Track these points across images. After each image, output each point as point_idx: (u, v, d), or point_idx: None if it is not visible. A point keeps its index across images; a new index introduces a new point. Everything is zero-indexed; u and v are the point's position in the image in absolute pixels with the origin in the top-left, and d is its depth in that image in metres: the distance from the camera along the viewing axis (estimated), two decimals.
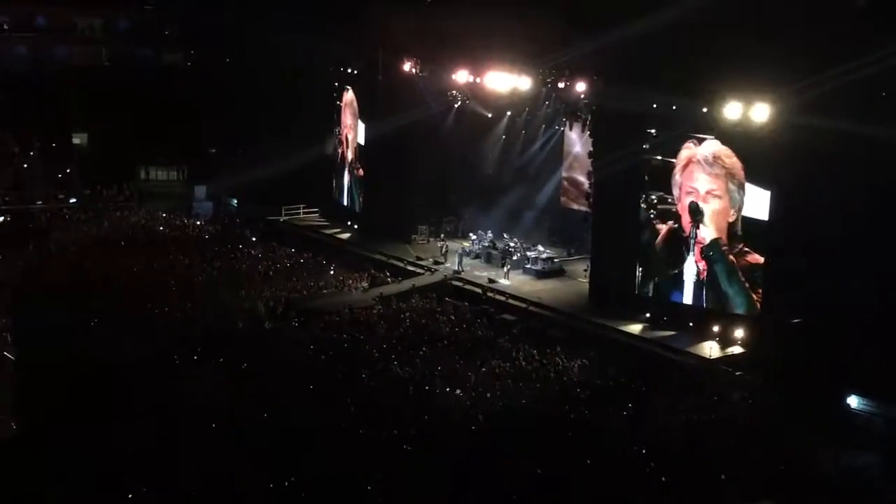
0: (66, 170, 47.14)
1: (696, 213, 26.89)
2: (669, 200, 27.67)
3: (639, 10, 27.25)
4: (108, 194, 44.60)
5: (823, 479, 18.55)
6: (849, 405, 21.02)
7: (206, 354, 23.96)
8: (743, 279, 26.37)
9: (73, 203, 43.06)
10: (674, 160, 27.36)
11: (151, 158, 47.51)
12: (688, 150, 27.07)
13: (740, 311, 26.59)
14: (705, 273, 27.06)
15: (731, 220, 26.48)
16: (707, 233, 26.88)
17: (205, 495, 16.76)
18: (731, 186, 26.27)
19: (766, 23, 25.02)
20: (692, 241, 27.16)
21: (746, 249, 26.24)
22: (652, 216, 28.08)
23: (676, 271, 27.71)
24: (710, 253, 26.81)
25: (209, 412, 20.15)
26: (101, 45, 54.59)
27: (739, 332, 25.82)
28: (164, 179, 47.85)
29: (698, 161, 26.81)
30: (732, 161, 26.22)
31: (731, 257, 26.47)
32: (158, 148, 47.09)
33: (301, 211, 42.98)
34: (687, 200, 27.17)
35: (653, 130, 27.72)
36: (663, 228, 27.89)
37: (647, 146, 27.82)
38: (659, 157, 27.74)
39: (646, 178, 28.05)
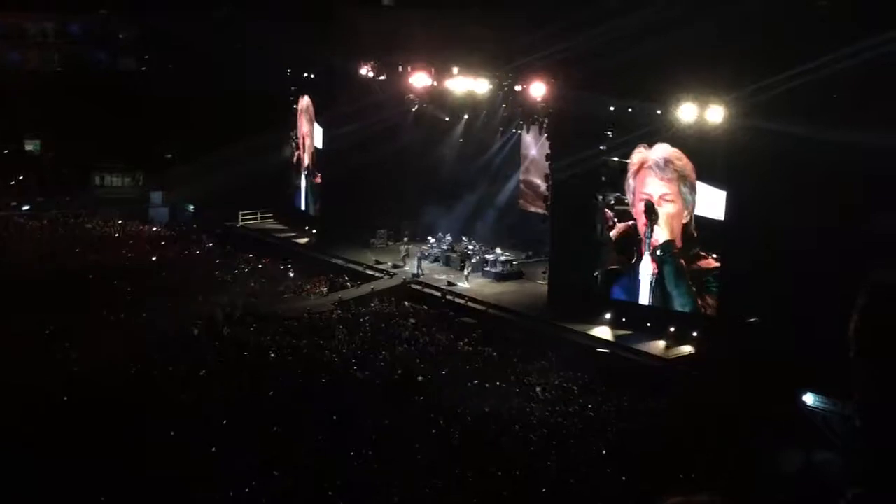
0: (18, 177, 46.53)
1: (650, 214, 27.08)
2: (626, 202, 27.86)
3: (595, 13, 27.45)
4: (63, 201, 44.07)
5: (782, 477, 18.71)
6: (805, 403, 21.22)
7: (163, 361, 23.68)
8: (690, 283, 26.62)
9: (27, 210, 42.48)
10: (628, 161, 27.58)
11: (106, 164, 47.01)
12: (639, 154, 27.27)
13: (685, 309, 26.82)
14: (655, 275, 27.27)
15: (684, 221, 26.70)
16: (661, 234, 27.07)
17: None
18: (684, 189, 26.50)
19: (721, 25, 25.21)
20: (647, 242, 27.35)
21: (702, 254, 26.44)
22: (609, 217, 28.25)
23: (633, 272, 27.88)
24: (660, 253, 27.02)
25: (168, 418, 19.94)
26: (54, 49, 53.91)
27: (696, 332, 26.03)
28: (119, 185, 47.38)
29: (650, 166, 27.01)
30: (683, 163, 26.44)
31: (682, 261, 26.68)
32: (113, 154, 46.62)
33: (258, 216, 42.74)
34: (641, 204, 27.36)
35: (609, 133, 27.87)
36: (620, 229, 28.07)
37: (604, 147, 27.97)
38: (615, 159, 27.91)
39: (603, 179, 28.20)
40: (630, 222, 27.77)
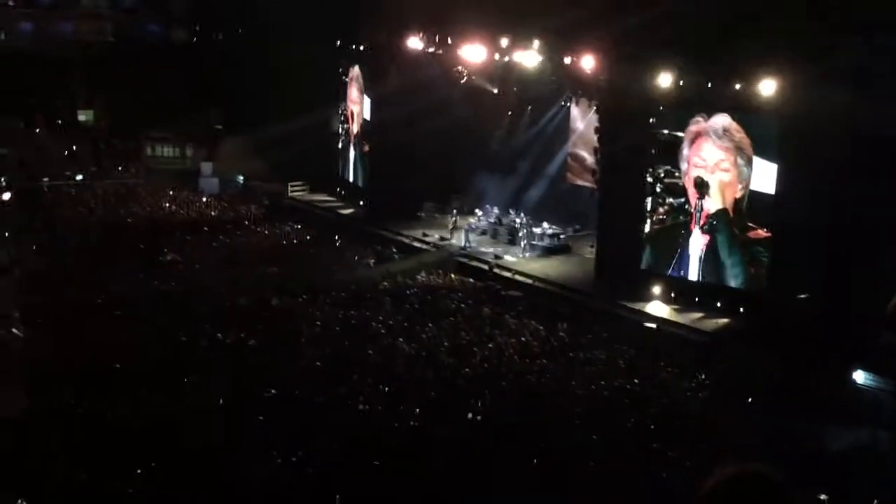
0: (72, 147, 47.15)
1: (701, 187, 26.80)
2: (676, 175, 27.59)
3: None
4: (115, 172, 44.64)
5: (830, 456, 18.55)
6: (855, 381, 20.97)
7: (213, 331, 23.95)
8: (742, 252, 26.29)
9: (80, 180, 43.07)
10: (682, 134, 27.25)
11: (158, 135, 47.48)
12: (696, 125, 26.95)
13: (735, 283, 26.55)
14: (707, 246, 26.99)
15: (737, 195, 26.36)
16: (712, 205, 26.77)
17: (208, 473, 16.75)
18: (740, 161, 26.15)
19: None
20: (698, 215, 27.08)
21: (751, 225, 26.15)
22: (659, 190, 28.02)
23: (683, 246, 27.65)
24: (714, 223, 26.71)
25: (215, 388, 20.17)
26: (107, 20, 54.37)
27: (745, 308, 25.80)
28: (170, 156, 47.84)
29: (708, 133, 26.67)
30: (741, 136, 26.09)
31: (735, 229, 26.39)
32: (165, 125, 47.07)
33: (307, 187, 42.98)
34: (694, 173, 27.06)
35: (661, 107, 27.60)
36: (671, 203, 27.83)
37: (654, 120, 27.72)
38: (666, 132, 27.65)
39: (653, 152, 27.96)
40: (680, 198, 27.48)
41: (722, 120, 26.42)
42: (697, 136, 27.00)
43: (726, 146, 26.39)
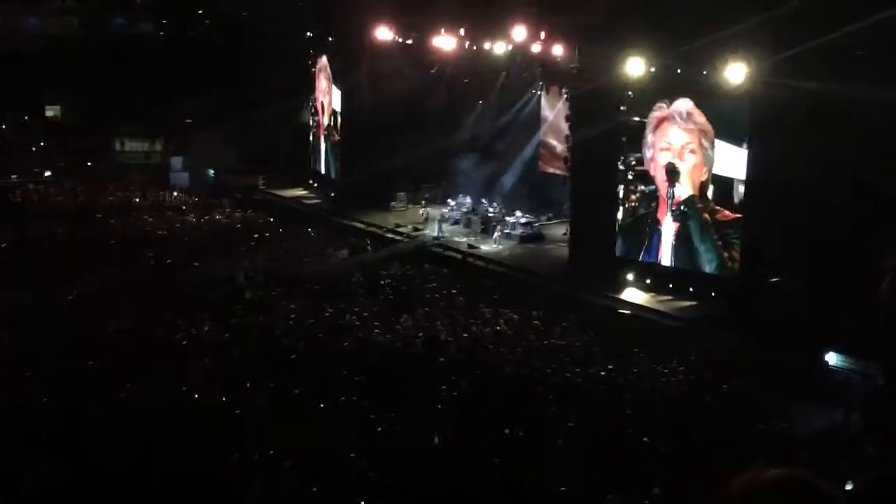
0: (39, 143, 46.66)
1: (672, 174, 26.88)
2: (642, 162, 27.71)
3: None
4: (84, 167, 44.22)
5: (804, 437, 18.72)
6: (827, 363, 21.15)
7: (187, 323, 23.81)
8: (715, 237, 26.42)
9: (48, 176, 42.65)
10: (645, 120, 27.37)
11: (126, 130, 47.06)
12: (660, 110, 27.08)
13: (710, 269, 26.67)
14: (679, 232, 27.09)
15: (703, 178, 26.51)
16: (682, 191, 26.90)
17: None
18: (705, 143, 26.30)
19: None
20: (670, 201, 27.17)
21: (718, 207, 26.29)
22: (630, 177, 28.09)
23: (654, 232, 27.75)
24: (685, 209, 26.84)
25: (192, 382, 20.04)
26: (74, 14, 53.77)
27: (718, 292, 25.95)
28: (139, 151, 47.44)
29: (672, 117, 26.79)
30: (703, 120, 26.24)
31: (705, 214, 26.51)
32: (133, 119, 46.66)
33: (278, 179, 42.76)
34: (661, 158, 27.16)
35: (630, 93, 27.66)
36: (642, 190, 27.91)
37: (624, 108, 27.77)
38: (636, 119, 27.73)
39: (623, 139, 28.03)
40: (650, 185, 27.57)
41: (685, 104, 26.52)
42: (661, 121, 27.13)
43: (691, 128, 26.52)
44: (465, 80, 37.25)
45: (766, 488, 3.54)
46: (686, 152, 26.66)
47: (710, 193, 26.37)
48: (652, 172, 27.55)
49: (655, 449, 17.94)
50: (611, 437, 18.54)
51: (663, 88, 26.96)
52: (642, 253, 28.07)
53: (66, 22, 53.51)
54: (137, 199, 39.08)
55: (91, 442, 17.13)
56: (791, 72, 23.25)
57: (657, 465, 17.22)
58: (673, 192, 26.98)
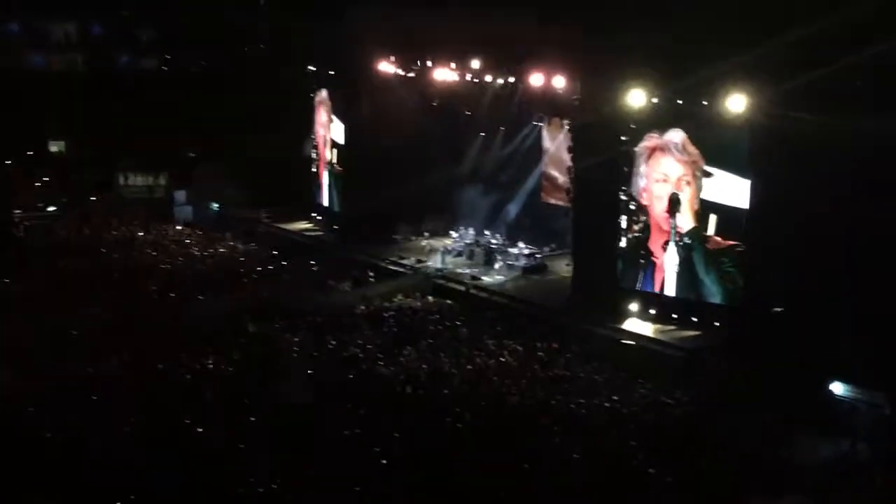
0: (43, 178, 46.82)
1: (675, 203, 26.88)
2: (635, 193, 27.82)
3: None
4: (88, 202, 44.36)
5: (811, 467, 18.64)
6: (832, 392, 21.07)
7: (191, 357, 23.79)
8: (715, 267, 26.37)
9: (53, 211, 42.78)
10: (637, 149, 27.58)
11: (130, 164, 47.22)
12: (652, 140, 27.22)
13: (716, 300, 26.60)
14: (683, 262, 27.07)
15: (696, 208, 26.57)
16: (684, 221, 26.92)
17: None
18: (697, 173, 26.36)
19: (745, 12, 25.01)
20: (672, 231, 27.19)
21: (708, 235, 26.34)
22: (633, 208, 28.14)
23: (649, 262, 27.76)
24: (689, 241, 26.82)
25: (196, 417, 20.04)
26: (78, 51, 54.05)
27: (721, 322, 25.92)
28: (143, 185, 47.54)
29: (667, 148, 26.87)
30: (695, 150, 26.35)
31: (707, 245, 26.50)
32: (137, 153, 46.85)
33: (282, 213, 42.83)
34: (656, 189, 27.22)
35: (632, 125, 27.77)
36: (644, 220, 27.95)
37: (626, 138, 27.87)
38: (636, 149, 27.82)
39: (625, 169, 28.10)
40: (651, 215, 27.62)
41: (677, 134, 26.64)
42: (654, 150, 27.22)
43: (685, 160, 26.59)
44: (468, 113, 37.39)
45: None
46: (683, 184, 26.72)
47: (703, 222, 26.40)
48: (644, 202, 27.62)
49: (660, 480, 17.88)
50: (616, 467, 18.50)
51: (665, 119, 27.02)
52: (645, 283, 28.01)
53: (71, 58, 53.80)
54: (141, 233, 39.17)
55: (91, 476, 17.20)
56: (791, 103, 23.35)
57: (663, 496, 17.18)
58: (675, 223, 26.99)
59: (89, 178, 46.86)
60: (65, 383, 21.65)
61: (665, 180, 27.03)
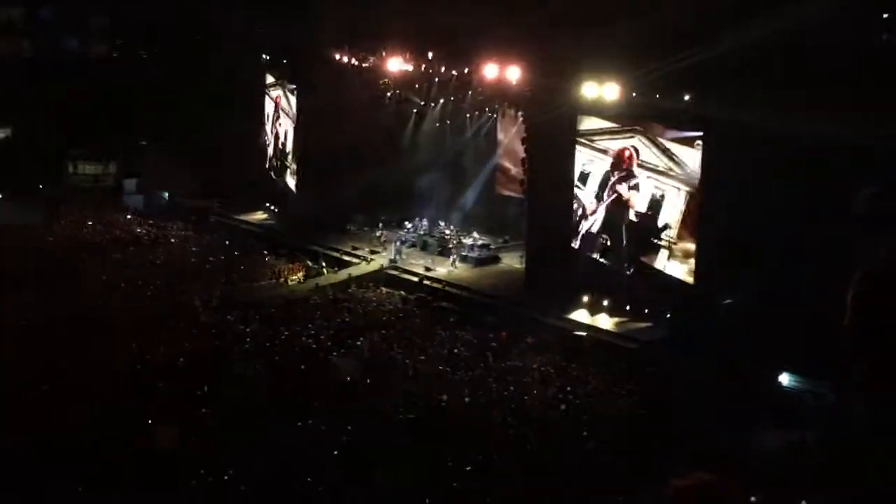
0: None
1: (649, 205, 27.01)
2: (605, 187, 27.96)
3: None
4: (37, 190, 43.66)
5: (760, 456, 18.90)
6: (780, 383, 21.40)
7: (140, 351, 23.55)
8: (675, 261, 26.63)
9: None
10: (602, 147, 27.72)
11: (79, 152, 46.53)
12: (614, 140, 27.49)
13: (669, 292, 26.86)
14: (639, 257, 27.29)
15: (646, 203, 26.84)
16: (633, 214, 27.15)
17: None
18: (662, 178, 26.53)
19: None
20: (623, 225, 27.41)
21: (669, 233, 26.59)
22: (585, 202, 28.31)
23: (611, 255, 27.96)
24: (654, 240, 26.93)
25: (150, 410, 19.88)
26: (24, 36, 53.07)
27: (674, 314, 26.17)
28: (93, 173, 46.85)
29: (630, 148, 27.07)
30: (658, 152, 26.49)
31: (672, 245, 26.71)
32: (87, 141, 46.17)
33: (234, 202, 42.46)
34: (621, 189, 27.44)
35: (585, 117, 27.92)
36: (596, 214, 28.15)
37: (579, 131, 28.02)
38: (591, 144, 27.98)
39: (578, 163, 28.23)
40: (603, 207, 27.82)
41: (639, 138, 26.83)
42: (621, 150, 27.37)
43: (646, 164, 26.76)
44: (421, 103, 37.34)
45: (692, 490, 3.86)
46: (647, 185, 26.89)
47: (663, 223, 26.62)
48: (606, 200, 27.78)
49: (612, 469, 18.07)
50: (568, 458, 18.67)
51: (622, 114, 27.17)
52: (598, 275, 28.15)
53: (16, 44, 52.80)
54: (91, 223, 38.62)
55: None
56: (744, 109, 23.58)
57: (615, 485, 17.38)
58: (627, 215, 27.20)
59: (37, 166, 46.07)
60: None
61: (625, 180, 27.23)
